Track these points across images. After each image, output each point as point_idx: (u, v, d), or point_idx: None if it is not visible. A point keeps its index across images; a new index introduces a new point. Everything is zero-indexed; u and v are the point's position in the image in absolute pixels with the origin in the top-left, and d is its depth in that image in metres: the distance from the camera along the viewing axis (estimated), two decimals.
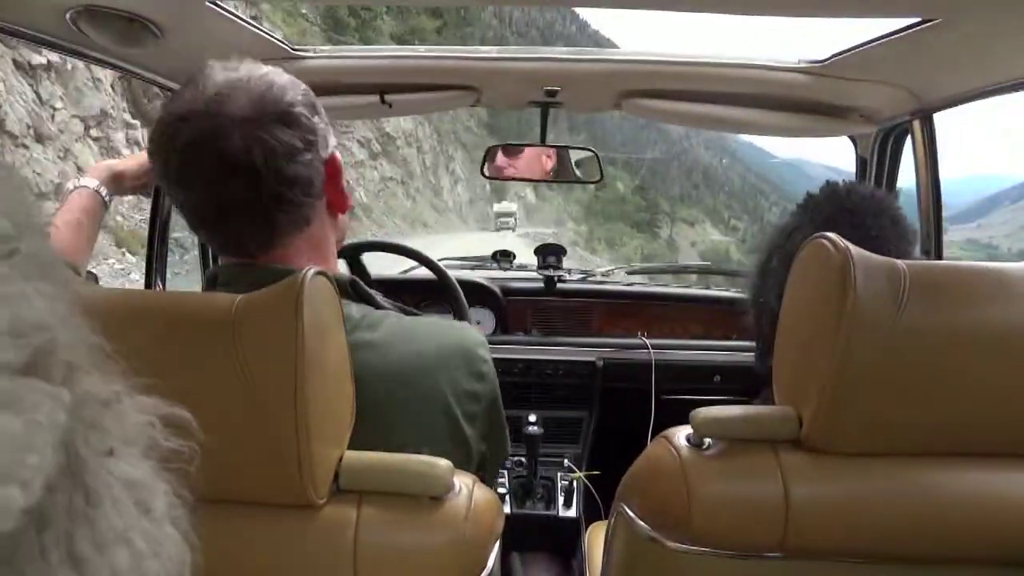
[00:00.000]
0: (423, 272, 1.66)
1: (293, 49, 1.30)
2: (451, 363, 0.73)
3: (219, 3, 1.00)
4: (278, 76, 0.69)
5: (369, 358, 0.68)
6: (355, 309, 0.72)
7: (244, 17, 1.08)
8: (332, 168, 0.72)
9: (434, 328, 0.76)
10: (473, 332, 0.79)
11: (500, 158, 1.77)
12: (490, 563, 0.63)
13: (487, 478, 0.76)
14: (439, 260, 1.64)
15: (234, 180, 0.64)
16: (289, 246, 0.70)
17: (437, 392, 0.71)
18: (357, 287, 0.74)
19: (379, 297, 0.77)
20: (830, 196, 0.93)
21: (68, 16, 0.95)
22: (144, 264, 1.57)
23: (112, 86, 8.60)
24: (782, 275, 0.74)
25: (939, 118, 1.34)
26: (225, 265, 0.73)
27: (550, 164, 1.75)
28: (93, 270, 1.22)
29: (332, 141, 0.73)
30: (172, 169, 0.66)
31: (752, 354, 1.69)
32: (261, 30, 1.17)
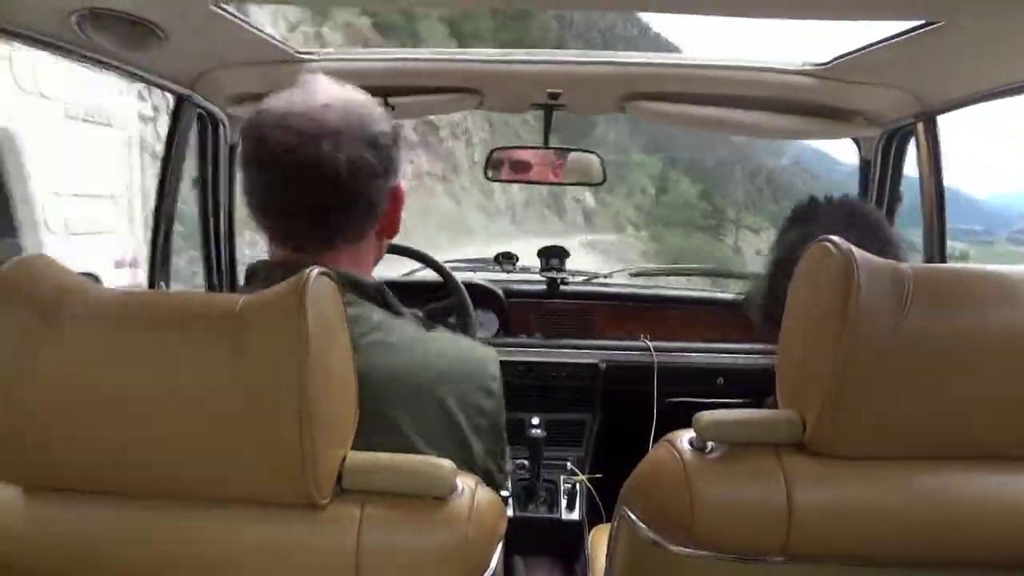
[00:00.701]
0: (427, 274, 1.66)
1: (297, 52, 1.31)
2: (461, 376, 0.75)
3: (224, 6, 1.01)
4: (373, 106, 0.76)
5: (381, 360, 0.69)
6: (377, 314, 0.74)
7: (249, 20, 1.09)
8: (395, 197, 0.79)
9: (449, 340, 0.79)
10: (488, 349, 0.82)
11: (502, 160, 1.77)
12: (493, 564, 0.63)
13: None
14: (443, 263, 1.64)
15: (314, 182, 0.70)
16: (339, 255, 0.75)
17: (445, 400, 0.72)
18: (384, 295, 0.77)
19: (409, 314, 0.80)
20: (837, 205, 0.99)
21: (72, 19, 0.95)
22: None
23: None
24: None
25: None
26: (264, 261, 0.77)
27: (553, 166, 1.75)
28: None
29: (402, 172, 0.79)
30: (264, 155, 0.71)
31: (755, 356, 1.71)
32: (266, 34, 1.17)
